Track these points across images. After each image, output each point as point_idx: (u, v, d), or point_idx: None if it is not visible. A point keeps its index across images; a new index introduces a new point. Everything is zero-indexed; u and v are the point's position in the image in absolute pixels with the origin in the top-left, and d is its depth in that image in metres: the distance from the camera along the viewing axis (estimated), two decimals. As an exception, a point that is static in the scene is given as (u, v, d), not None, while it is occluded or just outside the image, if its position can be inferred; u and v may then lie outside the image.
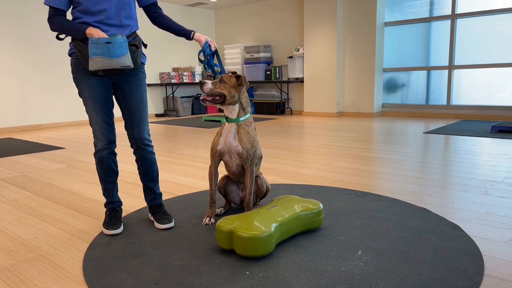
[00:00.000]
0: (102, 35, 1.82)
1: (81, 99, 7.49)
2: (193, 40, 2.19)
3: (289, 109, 8.76)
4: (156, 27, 8.61)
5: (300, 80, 8.25)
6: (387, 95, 7.93)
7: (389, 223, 2.10)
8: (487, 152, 3.85)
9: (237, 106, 2.06)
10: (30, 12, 6.72)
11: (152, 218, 2.22)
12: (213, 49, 2.19)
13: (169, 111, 8.83)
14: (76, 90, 7.44)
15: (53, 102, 7.13)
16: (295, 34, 8.47)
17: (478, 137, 4.78)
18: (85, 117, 7.60)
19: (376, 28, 7.38)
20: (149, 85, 8.50)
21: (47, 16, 6.90)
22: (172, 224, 2.13)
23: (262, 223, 1.76)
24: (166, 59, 8.88)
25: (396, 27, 7.58)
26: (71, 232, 2.10)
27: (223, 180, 2.30)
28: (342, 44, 7.80)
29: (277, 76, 8.52)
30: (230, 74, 2.04)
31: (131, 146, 2.16)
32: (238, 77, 2.03)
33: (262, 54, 8.61)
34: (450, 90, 7.11)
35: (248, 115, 2.09)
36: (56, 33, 2.03)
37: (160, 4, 8.65)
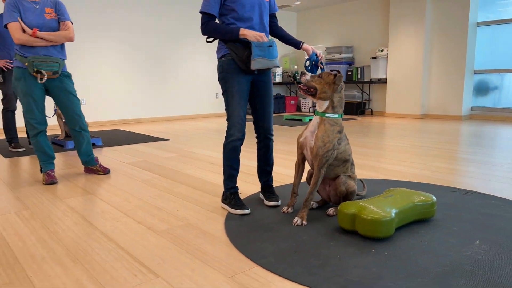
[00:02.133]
0: (254, 33, 2.12)
1: (175, 97, 8.09)
2: (300, 50, 2.43)
3: (370, 109, 8.73)
4: None
5: (383, 81, 8.20)
6: (476, 98, 7.62)
7: (501, 219, 2.17)
8: None
9: (326, 103, 2.15)
10: (135, 20, 7.46)
11: (262, 196, 2.52)
12: (320, 59, 2.40)
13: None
14: (167, 89, 8.09)
15: (151, 99, 7.84)
16: (378, 35, 8.43)
17: None
18: (176, 113, 8.23)
19: (468, 28, 7.13)
20: (233, 84, 8.96)
21: (147, 25, 7.60)
22: (278, 203, 2.42)
23: (381, 209, 1.94)
24: (250, 60, 9.29)
25: (489, 27, 7.26)
26: (204, 207, 2.44)
27: (309, 174, 2.44)
28: (429, 44, 7.63)
29: (359, 76, 8.55)
30: (330, 72, 2.15)
31: (258, 136, 2.46)
32: (336, 75, 2.13)
33: (343, 55, 8.68)
34: (551, 93, 6.66)
35: (336, 115, 2.16)
36: (206, 36, 2.36)
37: (247, 7, 9.07)
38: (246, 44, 2.21)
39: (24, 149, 4.52)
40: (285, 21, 9.81)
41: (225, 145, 2.35)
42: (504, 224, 2.10)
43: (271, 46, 2.19)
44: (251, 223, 2.16)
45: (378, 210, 1.93)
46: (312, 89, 2.15)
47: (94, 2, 6.99)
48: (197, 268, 1.66)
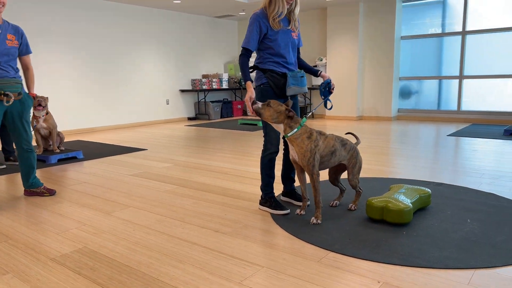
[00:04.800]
0: (249, 94, 2.54)
1: (126, 106, 8.09)
2: (318, 77, 2.94)
3: (311, 112, 9.56)
4: (186, 35, 9.38)
5: (323, 87, 9.07)
6: (401, 101, 8.84)
7: (473, 203, 2.91)
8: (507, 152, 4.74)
9: (281, 125, 2.53)
10: (84, 29, 7.34)
11: (288, 199, 3.00)
12: (332, 86, 2.88)
13: (200, 115, 9.54)
14: (121, 97, 8.08)
15: (103, 108, 7.76)
16: (317, 46, 9.29)
17: (493, 139, 5.68)
18: (129, 120, 8.24)
19: (394, 41, 8.27)
20: (182, 91, 9.19)
21: (95, 33, 7.54)
22: (309, 202, 2.91)
23: (402, 202, 2.55)
24: (196, 67, 9.59)
25: (411, 40, 8.49)
26: (246, 211, 2.84)
27: (332, 175, 2.98)
28: (362, 55, 8.66)
29: (301, 83, 9.33)
30: (281, 104, 2.53)
31: (287, 148, 2.92)
32: (288, 110, 2.50)
33: (287, 63, 9.39)
34: (460, 97, 8.06)
35: (294, 130, 2.51)
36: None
37: (191, 16, 9.35)
38: (282, 75, 2.67)
39: (5, 166, 4.40)
40: (226, 30, 10.25)
41: (263, 158, 2.78)
42: (477, 206, 2.84)
43: (302, 76, 2.68)
44: (297, 221, 2.63)
45: (400, 203, 2.52)
46: (258, 114, 2.54)
47: (44, 10, 6.77)
48: (287, 257, 2.10)
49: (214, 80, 9.51)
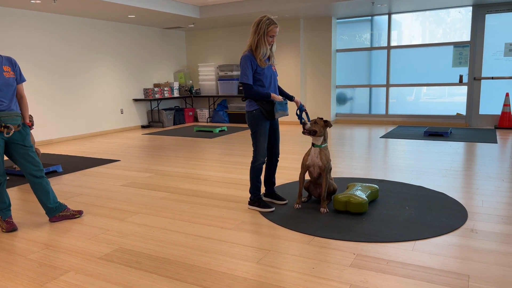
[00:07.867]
0: (279, 98, 3.28)
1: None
2: (293, 101, 3.62)
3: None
4: (137, 46, 9.73)
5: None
6: (338, 107, 9.95)
7: (408, 194, 3.83)
8: (439, 151, 5.87)
9: (321, 138, 3.46)
10: (42, 41, 7.43)
11: (269, 199, 3.70)
12: (304, 108, 3.65)
13: (153, 123, 9.89)
14: (81, 107, 8.23)
15: (60, 119, 7.87)
16: (263, 56, 10.08)
17: (416, 139, 6.86)
18: (86, 131, 8.41)
19: (331, 53, 9.32)
20: (135, 100, 9.50)
21: (53, 46, 7.64)
22: (287, 201, 3.64)
23: (360, 196, 3.36)
24: (148, 76, 9.92)
25: (345, 53, 9.61)
26: (237, 211, 3.48)
27: (307, 183, 3.78)
28: (304, 65, 9.63)
29: (248, 91, 10.07)
30: (320, 119, 3.45)
31: (270, 158, 3.61)
32: (326, 121, 3.44)
33: (235, 72, 10.09)
34: (388, 102, 9.32)
35: (326, 144, 3.49)
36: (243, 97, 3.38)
37: (142, 27, 9.68)
38: (270, 102, 3.35)
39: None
40: (175, 40, 10.68)
41: (253, 167, 3.45)
42: (412, 197, 3.76)
43: (286, 103, 3.39)
44: (282, 216, 3.34)
45: (359, 197, 3.34)
46: (313, 132, 3.42)
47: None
48: (284, 242, 2.79)
49: (165, 88, 9.92)
